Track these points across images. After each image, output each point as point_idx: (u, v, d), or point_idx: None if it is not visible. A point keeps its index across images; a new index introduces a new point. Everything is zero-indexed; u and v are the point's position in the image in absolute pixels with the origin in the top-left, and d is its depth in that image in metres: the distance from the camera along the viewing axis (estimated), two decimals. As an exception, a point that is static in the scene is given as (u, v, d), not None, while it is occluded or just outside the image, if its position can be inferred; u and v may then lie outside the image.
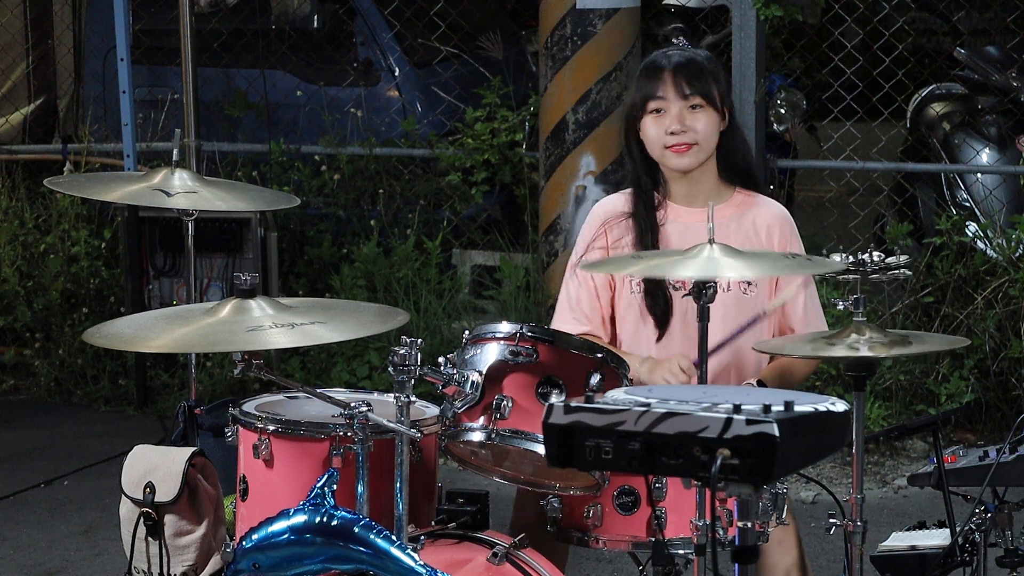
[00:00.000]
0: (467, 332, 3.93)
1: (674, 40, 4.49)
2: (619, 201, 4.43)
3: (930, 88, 8.79)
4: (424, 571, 3.58)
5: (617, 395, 2.87)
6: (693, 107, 4.26)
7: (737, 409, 2.68)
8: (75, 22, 9.42)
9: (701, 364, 3.89)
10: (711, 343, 4.17)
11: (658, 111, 4.28)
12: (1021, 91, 8.11)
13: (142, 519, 4.25)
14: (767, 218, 4.36)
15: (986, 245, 7.33)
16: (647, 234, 4.34)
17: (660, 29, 8.82)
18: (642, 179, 4.38)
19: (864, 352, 3.88)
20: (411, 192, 8.33)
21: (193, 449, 4.38)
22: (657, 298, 4.32)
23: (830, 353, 3.95)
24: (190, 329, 3.72)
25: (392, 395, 3.74)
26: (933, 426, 4.34)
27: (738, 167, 4.39)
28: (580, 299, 4.42)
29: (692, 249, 3.90)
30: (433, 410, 4.03)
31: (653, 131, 4.29)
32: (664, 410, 2.72)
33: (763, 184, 4.58)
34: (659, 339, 4.31)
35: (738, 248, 3.96)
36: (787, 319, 4.40)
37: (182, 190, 4.54)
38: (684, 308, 4.27)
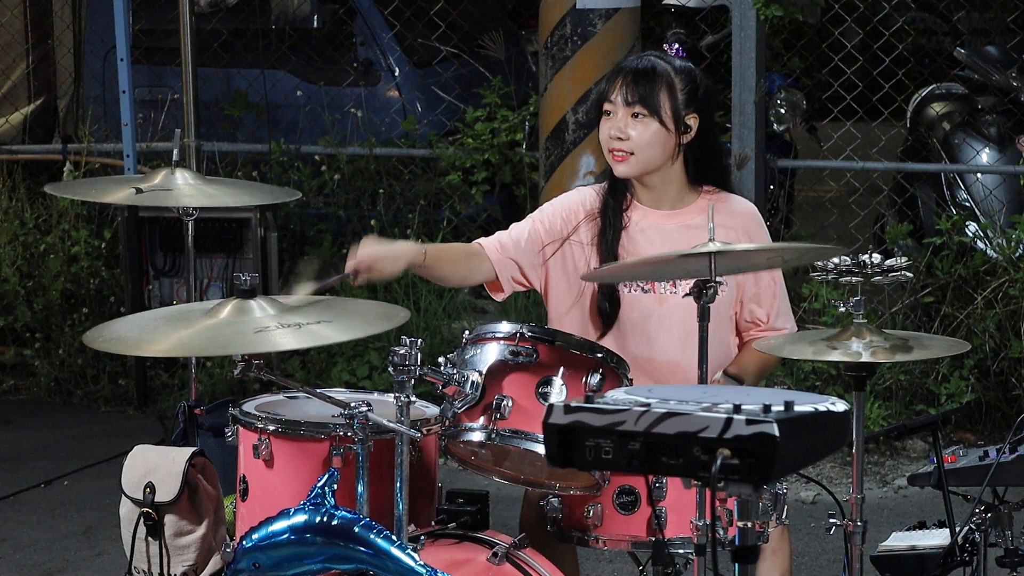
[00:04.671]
0: (467, 332, 3.94)
1: (665, 45, 4.45)
2: (594, 196, 4.41)
3: (930, 88, 8.79)
4: (424, 571, 3.58)
5: (617, 395, 2.87)
6: (635, 115, 4.24)
7: (737, 409, 2.68)
8: (75, 22, 9.41)
9: (700, 364, 3.89)
10: (673, 350, 4.17)
11: (608, 113, 4.29)
12: (1021, 91, 8.10)
13: (142, 519, 4.25)
14: (735, 219, 4.33)
15: (986, 245, 7.33)
16: (608, 232, 4.31)
17: (666, 32, 8.82)
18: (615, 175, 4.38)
19: (865, 359, 3.89)
20: (411, 192, 8.33)
21: (193, 449, 4.38)
22: (604, 297, 4.30)
23: (830, 357, 3.95)
24: (196, 331, 3.72)
25: (392, 395, 3.75)
26: (933, 426, 4.34)
27: (707, 174, 4.36)
28: (512, 236, 4.37)
29: (693, 249, 3.91)
30: (433, 410, 4.03)
31: (603, 132, 4.30)
32: (664, 410, 2.72)
33: (736, 189, 4.54)
34: (599, 338, 4.28)
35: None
36: (754, 312, 4.37)
37: (162, 188, 4.57)
38: (642, 308, 4.27)
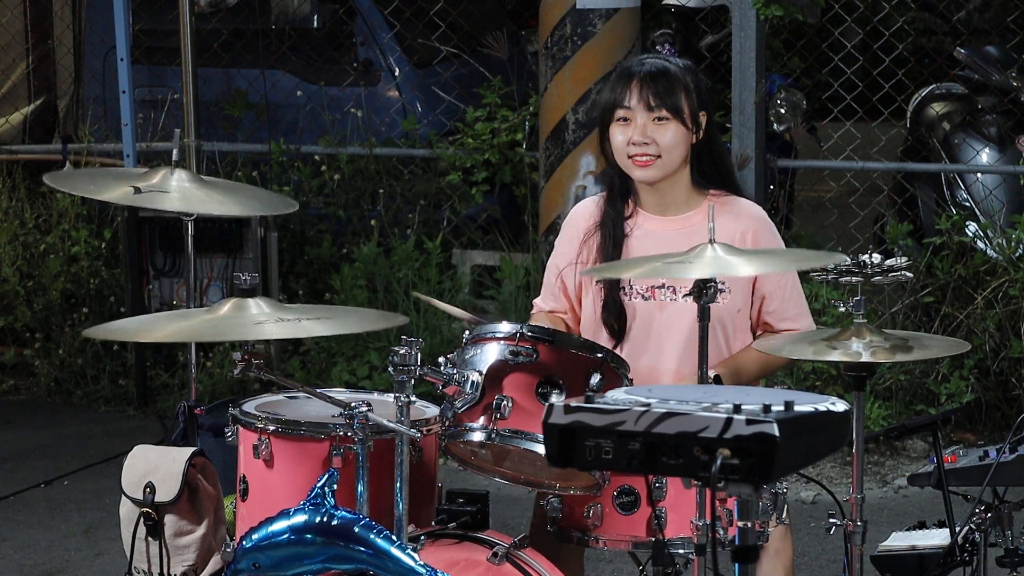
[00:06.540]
0: (467, 332, 3.94)
1: (658, 47, 4.42)
2: (593, 209, 4.40)
3: (930, 88, 8.79)
4: (424, 571, 3.58)
5: (617, 395, 2.87)
6: (658, 119, 4.21)
7: (737, 409, 2.68)
8: (75, 22, 9.42)
9: (700, 364, 3.88)
10: (676, 359, 4.16)
11: (624, 120, 4.25)
12: (1021, 91, 8.10)
13: (142, 519, 4.25)
14: (741, 221, 4.28)
15: (986, 245, 7.33)
16: (609, 243, 4.31)
17: (650, 34, 8.81)
18: (615, 183, 4.36)
19: (865, 358, 3.88)
20: (411, 192, 8.33)
21: (193, 449, 4.38)
22: (611, 308, 4.29)
23: (830, 357, 3.95)
24: (195, 322, 3.76)
25: (392, 395, 3.75)
26: (933, 426, 4.33)
27: (713, 175, 4.33)
28: (550, 283, 4.45)
29: (693, 250, 3.88)
30: (433, 410, 4.03)
31: (618, 139, 4.26)
32: (664, 410, 2.72)
33: (741, 188, 4.51)
34: (615, 348, 4.27)
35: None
36: (762, 314, 4.34)
37: (159, 189, 4.58)
38: (643, 316, 4.26)
